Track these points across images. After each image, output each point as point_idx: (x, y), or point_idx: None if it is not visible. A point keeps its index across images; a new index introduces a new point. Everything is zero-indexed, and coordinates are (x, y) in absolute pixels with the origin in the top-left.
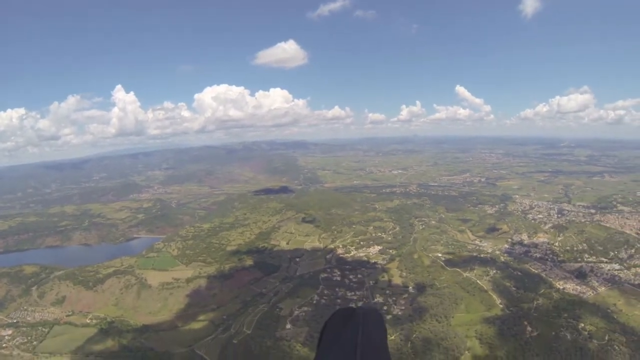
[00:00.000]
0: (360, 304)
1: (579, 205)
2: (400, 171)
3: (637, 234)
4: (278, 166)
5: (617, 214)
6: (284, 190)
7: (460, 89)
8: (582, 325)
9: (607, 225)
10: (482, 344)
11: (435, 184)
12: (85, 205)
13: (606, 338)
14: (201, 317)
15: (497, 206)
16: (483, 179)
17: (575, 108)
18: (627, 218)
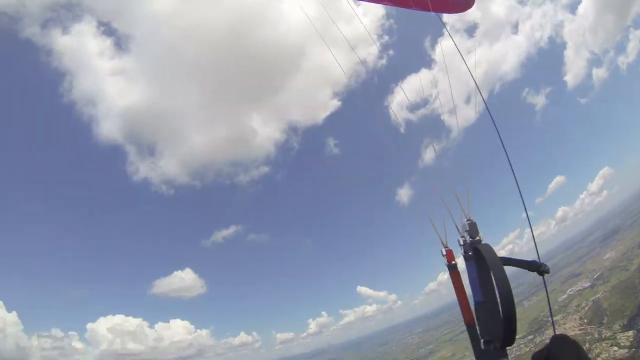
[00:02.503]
0: None
1: (517, 339)
2: None
3: (580, 330)
4: None
5: (551, 328)
6: None
7: (362, 289)
8: None
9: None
10: None
11: None
12: None
13: None
14: None
15: None
16: None
17: None
18: (564, 324)
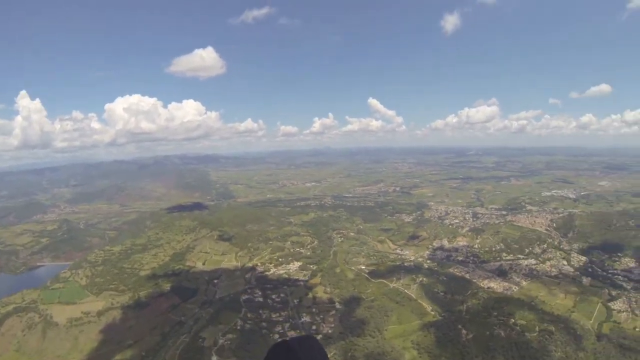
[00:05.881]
0: (286, 325)
1: (491, 208)
2: (313, 184)
3: (547, 230)
4: (190, 181)
5: (526, 214)
6: (198, 206)
7: (373, 101)
8: (513, 320)
9: (519, 224)
10: (421, 353)
11: (350, 195)
12: None
13: (537, 329)
14: (117, 357)
15: (414, 214)
16: (397, 188)
17: (482, 119)
18: (535, 217)
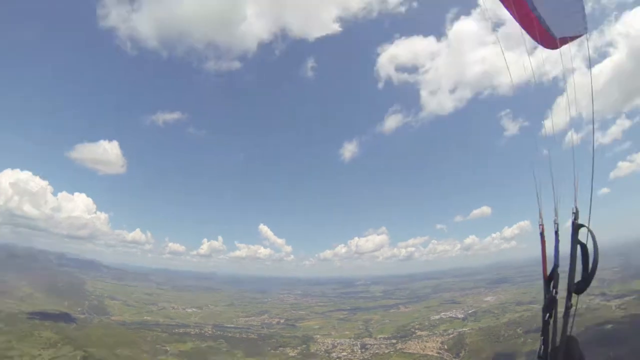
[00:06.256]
0: None
1: (380, 338)
2: (195, 309)
3: (438, 353)
4: (62, 286)
5: (417, 340)
6: (65, 317)
7: (264, 228)
8: None
9: (410, 351)
10: None
11: (232, 325)
12: None
13: None
14: None
15: (299, 348)
16: (282, 320)
17: (372, 248)
18: (426, 341)
